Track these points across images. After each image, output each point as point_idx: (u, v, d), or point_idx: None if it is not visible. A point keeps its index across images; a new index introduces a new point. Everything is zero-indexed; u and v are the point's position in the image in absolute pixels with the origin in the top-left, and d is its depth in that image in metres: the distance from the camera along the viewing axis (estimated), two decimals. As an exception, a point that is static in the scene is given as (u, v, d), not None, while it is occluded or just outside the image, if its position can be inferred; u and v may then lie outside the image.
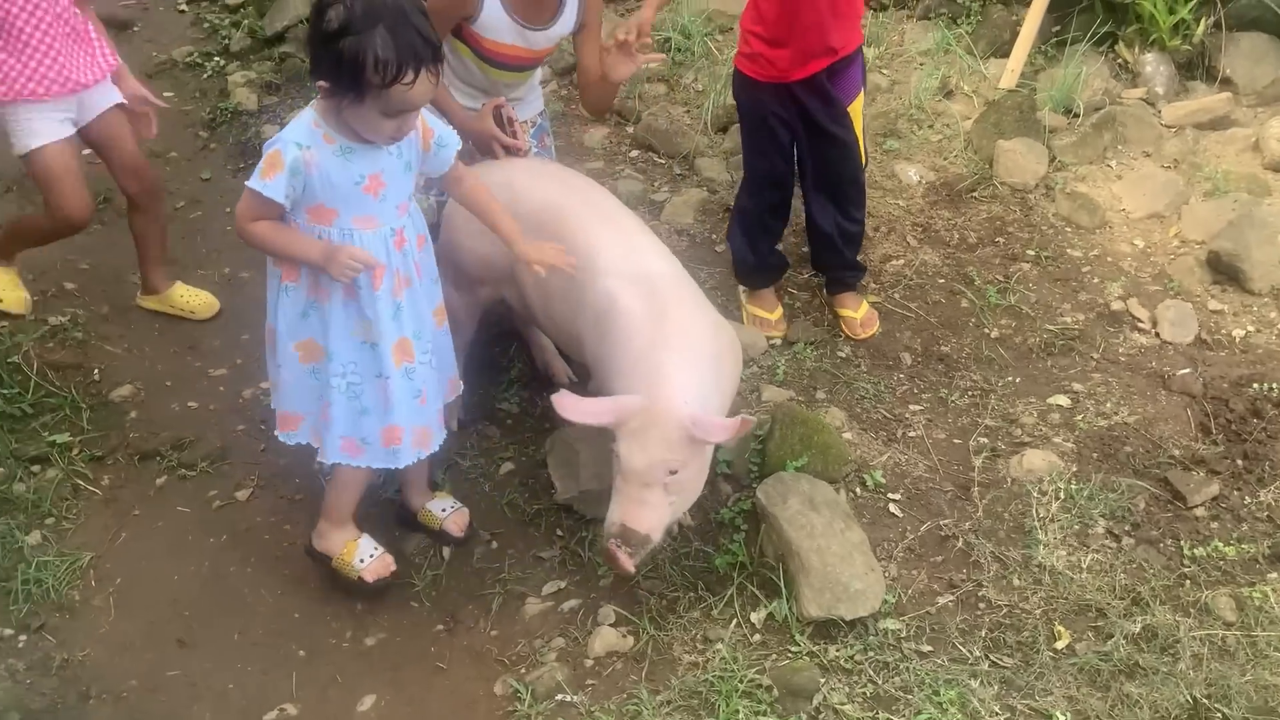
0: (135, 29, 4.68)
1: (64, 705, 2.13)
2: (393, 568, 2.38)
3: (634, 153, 3.95)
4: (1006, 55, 4.22)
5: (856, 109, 2.91)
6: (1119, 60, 4.22)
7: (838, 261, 3.12)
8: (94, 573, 2.44)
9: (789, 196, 3.10)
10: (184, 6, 4.83)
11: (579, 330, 2.36)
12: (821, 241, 3.11)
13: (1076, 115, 3.95)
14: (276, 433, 2.29)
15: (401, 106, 1.95)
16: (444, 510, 2.51)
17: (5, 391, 2.80)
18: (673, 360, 2.16)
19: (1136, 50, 4.18)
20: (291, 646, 2.31)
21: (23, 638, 2.29)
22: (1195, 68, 4.14)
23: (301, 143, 1.99)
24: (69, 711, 2.11)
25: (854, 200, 3.04)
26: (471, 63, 2.67)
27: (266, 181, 1.97)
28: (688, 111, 4.08)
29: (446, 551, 2.48)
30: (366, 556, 2.37)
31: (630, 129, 4.05)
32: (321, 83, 1.95)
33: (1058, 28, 4.28)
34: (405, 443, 2.23)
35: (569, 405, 2.10)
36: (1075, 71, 4.00)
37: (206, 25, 4.66)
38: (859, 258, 3.18)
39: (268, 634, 2.33)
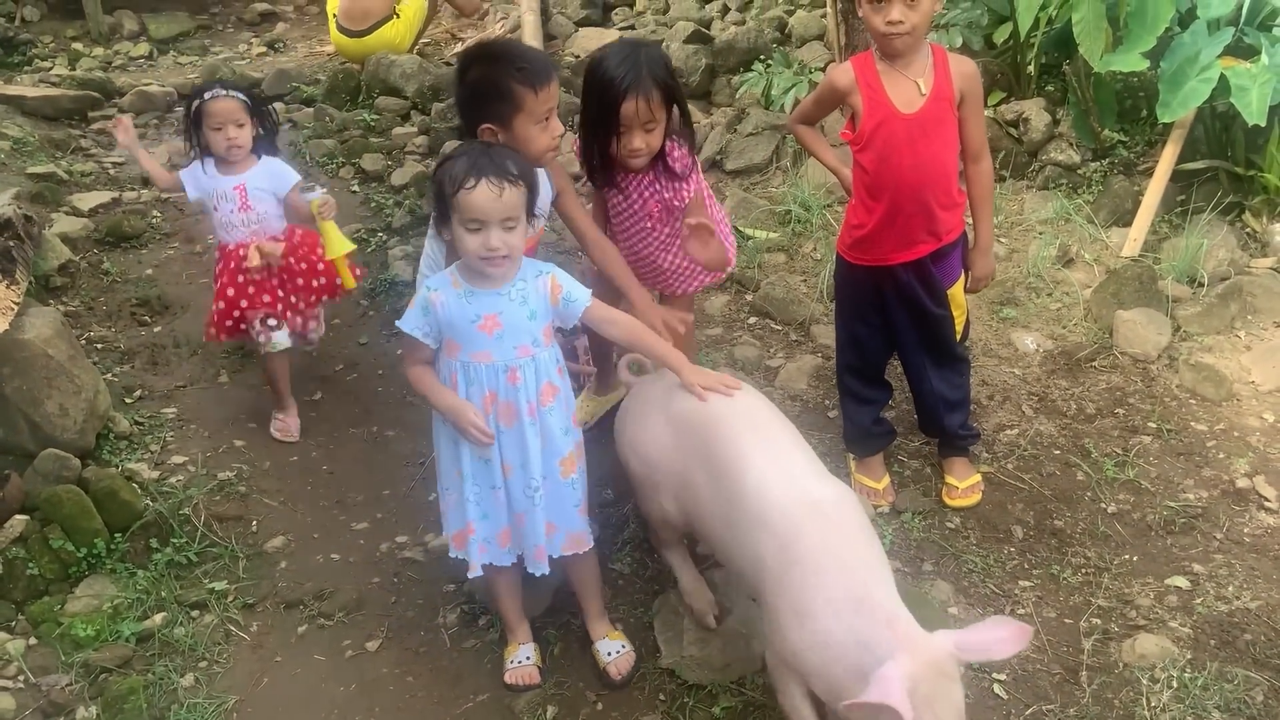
0: (312, 208, 5.24)
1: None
2: (536, 681, 2.65)
3: (751, 319, 4.14)
4: (1128, 225, 4.27)
5: (957, 291, 3.02)
6: (1247, 230, 4.21)
7: (943, 427, 3.18)
8: (237, 716, 2.65)
9: (882, 366, 3.21)
10: (356, 188, 5.40)
11: (741, 557, 2.25)
12: (926, 407, 3.20)
13: (1201, 285, 3.93)
14: (451, 553, 2.62)
15: (469, 214, 2.29)
16: (609, 654, 2.67)
17: (176, 541, 3.13)
18: (889, 593, 2.01)
19: (1265, 220, 4.17)
20: (407, 796, 2.45)
21: (168, 777, 2.51)
22: (1327, 236, 4.08)
23: (432, 286, 2.44)
24: None
25: (954, 368, 3.13)
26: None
27: (405, 317, 2.44)
28: (804, 280, 4.27)
29: (551, 711, 2.59)
30: (519, 660, 2.68)
31: (749, 296, 4.26)
32: (433, 214, 2.43)
33: (1182, 197, 4.32)
34: (511, 543, 2.55)
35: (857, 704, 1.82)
36: (1198, 241, 4.01)
37: (374, 204, 5.19)
38: (972, 424, 3.23)
39: (385, 782, 2.47)
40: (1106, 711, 2.43)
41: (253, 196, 3.45)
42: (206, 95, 3.34)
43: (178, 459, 3.49)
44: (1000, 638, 1.87)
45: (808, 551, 2.08)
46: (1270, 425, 3.36)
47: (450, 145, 5.50)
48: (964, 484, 3.14)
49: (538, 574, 2.56)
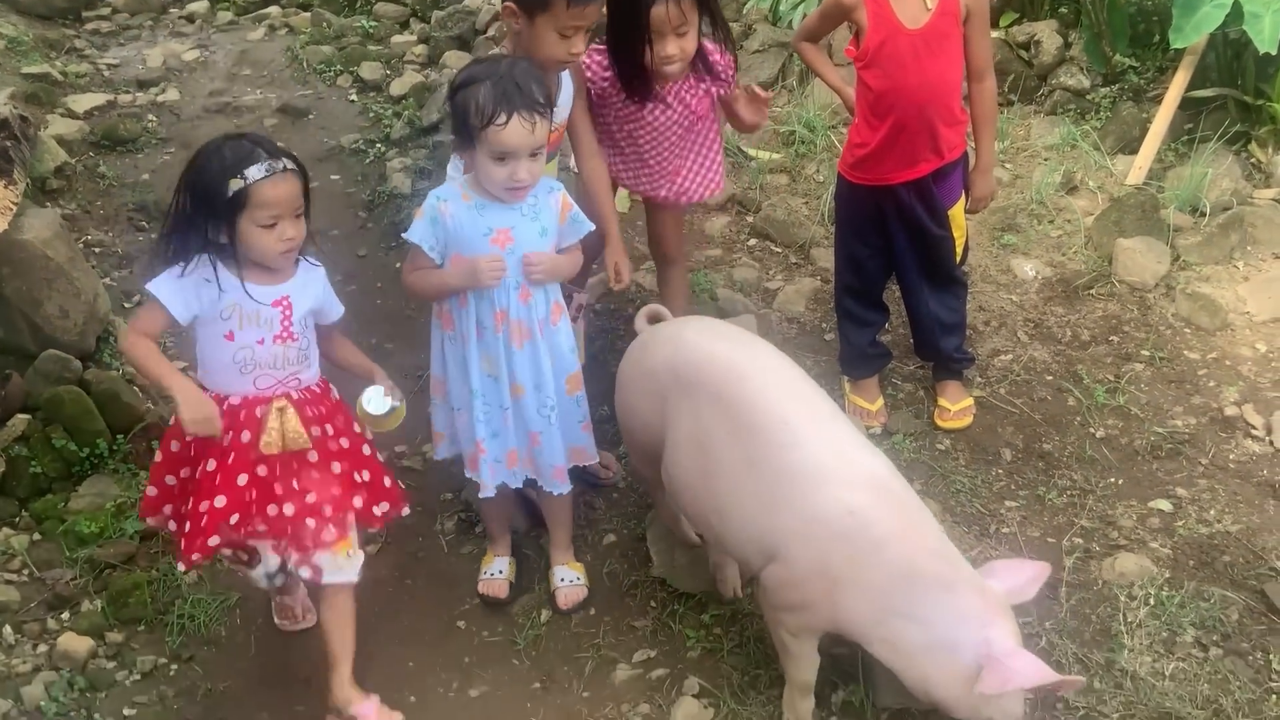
0: (310, 116, 5.19)
1: (205, 729, 2.40)
2: (503, 595, 2.69)
3: (751, 241, 4.14)
4: (1135, 152, 4.23)
5: (957, 212, 3.02)
6: (1252, 160, 4.17)
7: (938, 350, 3.21)
8: (239, 612, 2.72)
9: (881, 288, 3.22)
10: (354, 97, 5.33)
11: (768, 534, 2.12)
12: (922, 330, 3.22)
13: (1203, 214, 3.92)
14: (466, 473, 2.62)
15: (501, 149, 2.25)
16: (563, 580, 2.70)
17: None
18: (955, 552, 2.07)
19: (1270, 150, 4.13)
20: (404, 693, 2.52)
21: (174, 667, 2.58)
22: (1333, 168, 4.06)
23: (441, 195, 2.40)
24: (208, 736, 2.38)
25: (951, 291, 3.14)
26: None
27: (412, 228, 2.39)
28: (806, 203, 4.25)
29: (545, 614, 2.66)
30: (492, 573, 2.72)
31: (750, 218, 4.25)
32: (454, 138, 2.32)
33: (1190, 125, 4.28)
34: (520, 464, 2.56)
35: (1005, 678, 1.89)
36: (1203, 171, 3.98)
37: (372, 114, 5.13)
38: (967, 349, 3.26)
39: (384, 679, 2.54)
40: (1083, 626, 2.50)
41: (299, 321, 2.27)
42: (256, 174, 2.10)
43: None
44: (1030, 578, 2.05)
45: (890, 545, 2.01)
46: (1262, 355, 3.39)
47: (451, 59, 5.43)
48: (956, 406, 3.18)
49: (557, 493, 2.60)
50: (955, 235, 3.05)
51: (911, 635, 1.99)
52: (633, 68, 2.73)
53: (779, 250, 4.07)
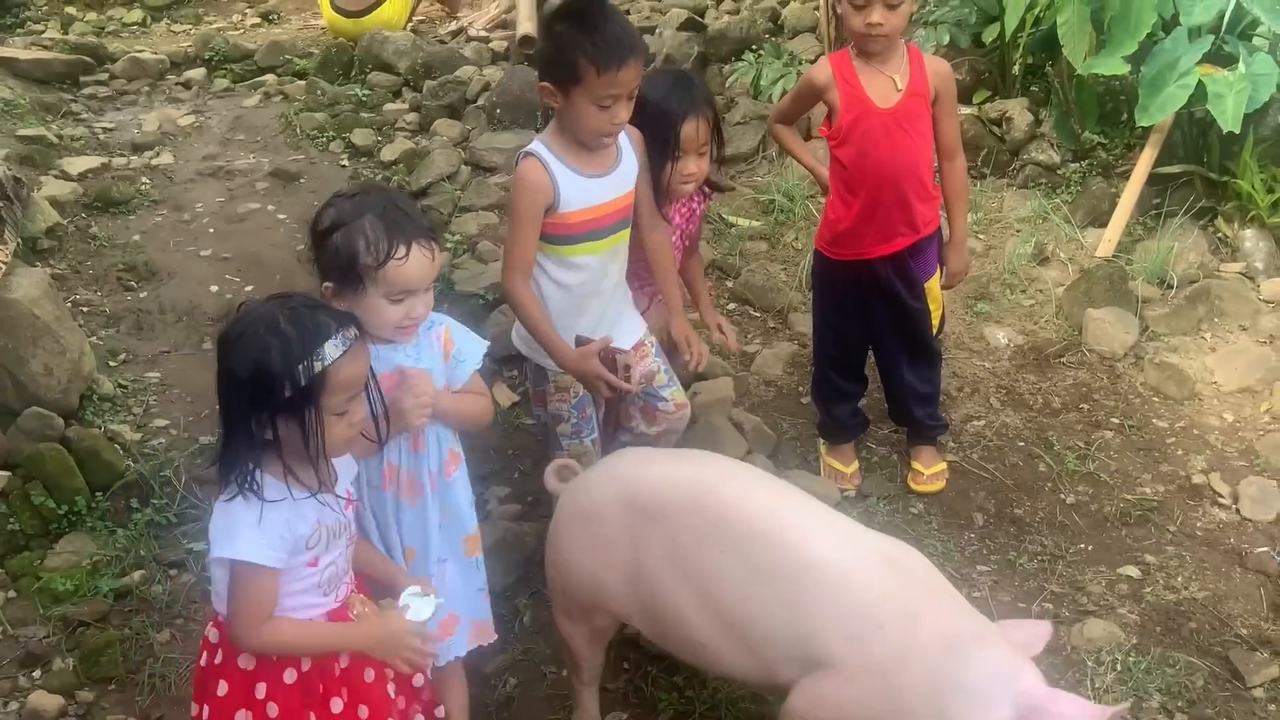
0: (302, 180, 5.29)
1: (172, 791, 2.38)
2: None
3: (731, 305, 4.21)
4: (1104, 225, 4.35)
5: (933, 285, 3.10)
6: (1218, 234, 4.29)
7: (913, 417, 3.26)
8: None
9: (862, 361, 3.28)
10: (345, 162, 5.44)
11: (805, 640, 1.99)
12: (897, 399, 3.28)
13: (1171, 286, 4.02)
14: None
15: (402, 286, 1.99)
16: None
17: (156, 501, 3.18)
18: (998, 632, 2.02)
19: (1236, 225, 4.25)
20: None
21: (143, 727, 2.57)
22: (1295, 243, 4.18)
23: None
24: (175, 796, 2.36)
25: (926, 361, 3.20)
26: (564, 257, 2.54)
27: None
28: (784, 269, 4.34)
29: (514, 681, 2.65)
30: None
31: (730, 283, 4.33)
32: (327, 285, 2.02)
33: (1157, 200, 4.41)
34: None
35: None
36: (1169, 244, 4.10)
37: (362, 179, 5.23)
38: (940, 415, 3.32)
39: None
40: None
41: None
42: (333, 352, 1.75)
43: (160, 422, 3.54)
44: (1036, 635, 2.03)
45: (926, 617, 1.95)
46: (1229, 425, 3.46)
47: (441, 127, 5.55)
48: (930, 470, 3.23)
49: (444, 660, 2.23)
50: (931, 307, 3.12)
51: (960, 705, 1.91)
52: (653, 188, 2.69)
53: (757, 314, 4.14)
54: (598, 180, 2.50)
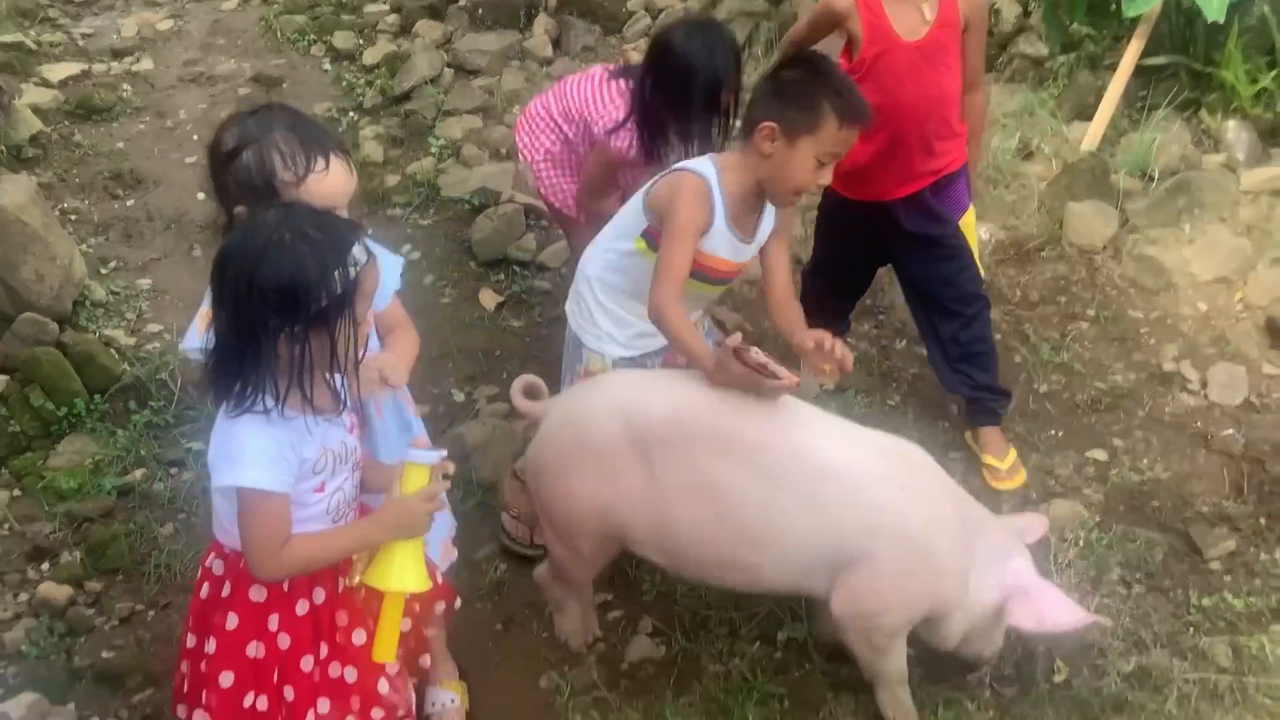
0: (284, 85, 5.24)
1: (180, 670, 2.50)
2: None
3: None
4: (1091, 119, 4.34)
5: (968, 223, 2.85)
6: (1202, 126, 4.29)
7: (970, 386, 2.94)
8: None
9: (861, 292, 3.16)
10: (327, 66, 5.38)
11: (835, 543, 2.07)
12: (947, 360, 2.96)
13: (1152, 179, 4.04)
14: None
15: (325, 202, 1.83)
16: (435, 704, 2.30)
17: (154, 404, 3.26)
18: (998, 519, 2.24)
19: (1219, 117, 4.24)
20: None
21: (151, 613, 2.68)
22: (1278, 135, 4.18)
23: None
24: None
25: (975, 313, 2.87)
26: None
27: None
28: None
29: (503, 567, 2.77)
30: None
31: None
32: (239, 210, 1.87)
33: (1143, 93, 4.38)
34: None
35: (1040, 619, 2.08)
36: (1152, 137, 4.10)
37: (345, 83, 5.18)
38: (1000, 382, 2.99)
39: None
40: (1018, 567, 2.63)
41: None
42: (361, 256, 1.67)
43: (153, 327, 3.60)
44: (1033, 526, 2.24)
45: (941, 502, 2.11)
46: (1203, 314, 3.52)
47: (423, 28, 5.47)
48: (1005, 464, 2.91)
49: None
50: (971, 245, 2.84)
51: (974, 585, 2.10)
52: (666, 137, 2.75)
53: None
54: (738, 245, 2.37)
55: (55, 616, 2.62)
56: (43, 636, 2.56)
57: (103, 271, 3.85)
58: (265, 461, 1.63)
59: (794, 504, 2.04)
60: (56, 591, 2.67)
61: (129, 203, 4.27)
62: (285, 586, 1.77)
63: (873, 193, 2.77)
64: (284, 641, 1.77)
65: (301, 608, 1.78)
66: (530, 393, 2.35)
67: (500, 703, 2.45)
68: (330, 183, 1.87)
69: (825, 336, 2.21)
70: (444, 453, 1.83)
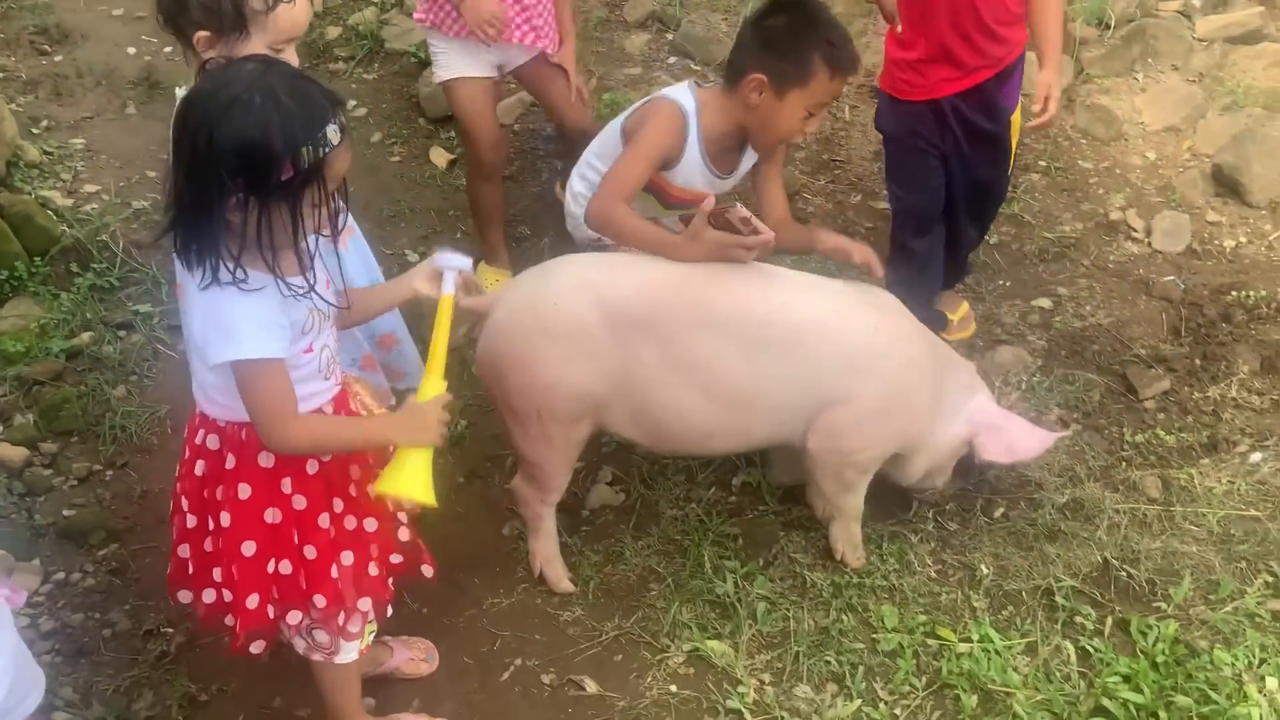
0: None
1: (142, 526, 2.52)
2: None
3: (671, 59, 4.14)
4: (1048, -35, 4.26)
5: (1015, 118, 2.68)
6: (1160, -29, 4.23)
7: (956, 264, 2.91)
8: (170, 422, 2.82)
9: (940, 241, 2.80)
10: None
11: (814, 390, 2.10)
12: (952, 250, 2.85)
13: (1109, 27, 4.01)
14: None
15: (289, 33, 1.88)
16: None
17: (96, 266, 3.19)
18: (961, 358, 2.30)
19: (1178, -38, 4.19)
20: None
21: (109, 473, 2.69)
22: (1236, -20, 4.14)
23: None
24: (145, 532, 2.50)
25: (994, 205, 2.85)
26: (649, 203, 2.43)
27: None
28: (725, 19, 4.24)
29: (464, 421, 2.79)
30: None
31: (670, 35, 4.23)
32: (202, 33, 1.85)
33: (1104, -62, 4.30)
34: None
35: (1009, 448, 2.19)
36: (1110, -17, 4.04)
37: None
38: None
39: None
40: (962, 410, 2.72)
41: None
42: (334, 137, 1.54)
43: (90, 188, 3.49)
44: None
45: (914, 340, 2.16)
46: (1151, 163, 3.55)
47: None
48: (957, 315, 2.95)
49: None
50: (1011, 141, 2.70)
51: (938, 419, 2.18)
52: None
53: (698, 68, 4.08)
54: (713, 179, 2.35)
55: (13, 477, 2.61)
56: (2, 496, 2.56)
57: (34, 131, 3.71)
58: (259, 330, 1.57)
59: (778, 362, 2.06)
60: (12, 452, 2.66)
61: (57, 58, 4.08)
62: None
63: (927, 90, 2.55)
64: (300, 503, 1.74)
65: (311, 467, 1.74)
66: (467, 287, 2.06)
67: (465, 552, 2.51)
68: (297, 14, 1.86)
69: (843, 239, 2.31)
70: (469, 261, 1.83)
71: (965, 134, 2.59)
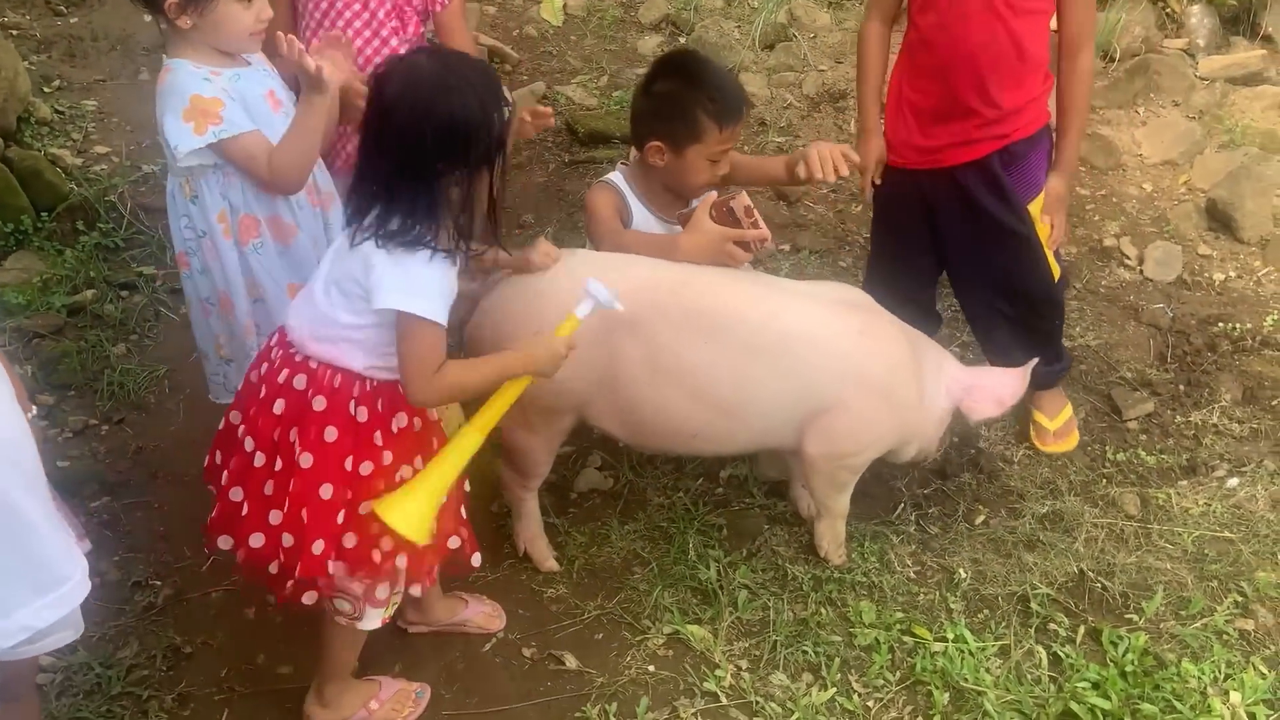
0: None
1: (135, 482, 2.55)
2: None
3: (682, 62, 4.19)
4: (1058, -3, 4.34)
5: (1039, 209, 2.42)
6: (1166, 10, 4.32)
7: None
8: (168, 382, 2.85)
9: (931, 294, 2.73)
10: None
11: (804, 398, 2.12)
12: (995, 351, 2.61)
13: (1114, 60, 4.08)
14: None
15: None
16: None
17: (103, 225, 3.22)
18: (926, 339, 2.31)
19: (1184, 1, 4.27)
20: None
21: (105, 427, 2.71)
22: (1240, 23, 4.24)
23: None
24: (138, 487, 2.53)
25: (1040, 313, 2.54)
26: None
27: None
28: (739, 27, 4.30)
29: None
30: None
31: (683, 39, 4.29)
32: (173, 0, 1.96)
33: (1113, -27, 4.38)
34: None
35: (997, 399, 2.24)
36: (1117, 17, 4.12)
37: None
38: (1061, 348, 2.69)
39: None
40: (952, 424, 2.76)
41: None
42: (509, 98, 1.83)
43: (100, 149, 3.52)
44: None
45: (896, 338, 2.18)
46: (1148, 194, 3.62)
47: None
48: (1056, 424, 2.68)
49: None
50: (1041, 238, 2.43)
51: (926, 403, 2.22)
52: None
53: (707, 73, 4.13)
54: (671, 228, 2.38)
55: (8, 425, 2.63)
56: (-4, 444, 2.58)
57: (46, 90, 3.73)
58: (439, 296, 1.68)
59: (767, 371, 2.08)
60: (9, 402, 2.68)
61: (72, 20, 4.11)
62: (379, 406, 1.76)
63: (930, 159, 2.41)
64: (387, 458, 1.77)
65: (400, 421, 1.78)
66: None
67: (451, 525, 2.55)
68: None
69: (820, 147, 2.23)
70: (618, 305, 1.85)
71: (971, 209, 2.41)
